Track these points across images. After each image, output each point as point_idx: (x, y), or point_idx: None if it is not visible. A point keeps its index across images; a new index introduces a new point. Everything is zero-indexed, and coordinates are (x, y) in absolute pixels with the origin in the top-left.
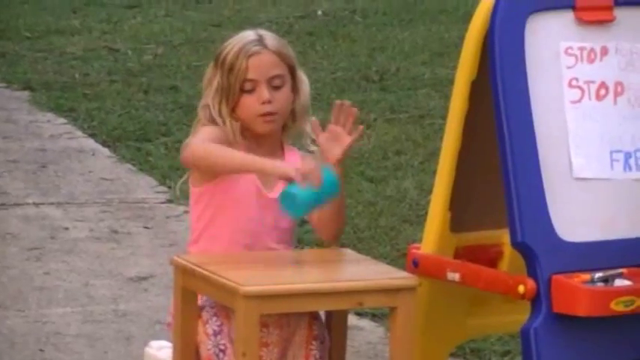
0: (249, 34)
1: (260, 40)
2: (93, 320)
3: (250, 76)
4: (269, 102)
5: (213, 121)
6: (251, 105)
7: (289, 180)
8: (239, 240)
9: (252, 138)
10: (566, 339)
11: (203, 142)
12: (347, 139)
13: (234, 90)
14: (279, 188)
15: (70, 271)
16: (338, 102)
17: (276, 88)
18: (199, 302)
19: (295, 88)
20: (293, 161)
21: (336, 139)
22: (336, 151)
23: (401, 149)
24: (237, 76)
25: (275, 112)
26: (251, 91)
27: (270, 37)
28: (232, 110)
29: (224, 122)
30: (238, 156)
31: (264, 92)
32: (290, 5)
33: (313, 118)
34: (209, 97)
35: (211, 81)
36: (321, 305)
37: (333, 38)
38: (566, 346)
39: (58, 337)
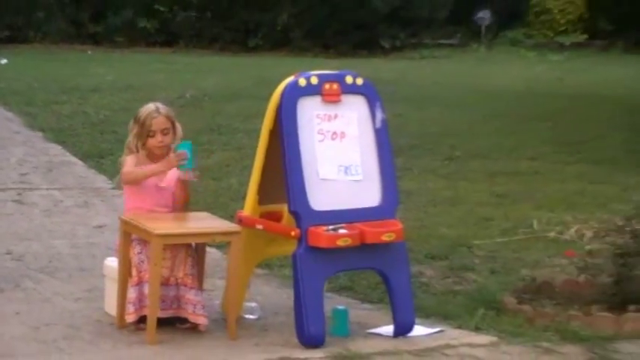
0: (151, 106)
1: (157, 110)
2: (77, 246)
3: (153, 128)
4: (162, 141)
5: (132, 150)
6: (153, 143)
7: (169, 169)
8: (147, 208)
9: (152, 156)
10: (316, 259)
11: (127, 173)
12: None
13: (144, 135)
14: (166, 181)
15: (64, 222)
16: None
17: (165, 134)
18: (131, 238)
19: (174, 132)
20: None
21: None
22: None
23: (229, 163)
24: (145, 128)
25: (165, 146)
26: (153, 136)
27: (162, 107)
28: (143, 144)
29: (138, 150)
30: (143, 171)
31: (159, 137)
32: (174, 91)
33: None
34: (131, 138)
35: (132, 130)
36: (195, 239)
37: (194, 109)
38: (316, 263)
39: (59, 256)
